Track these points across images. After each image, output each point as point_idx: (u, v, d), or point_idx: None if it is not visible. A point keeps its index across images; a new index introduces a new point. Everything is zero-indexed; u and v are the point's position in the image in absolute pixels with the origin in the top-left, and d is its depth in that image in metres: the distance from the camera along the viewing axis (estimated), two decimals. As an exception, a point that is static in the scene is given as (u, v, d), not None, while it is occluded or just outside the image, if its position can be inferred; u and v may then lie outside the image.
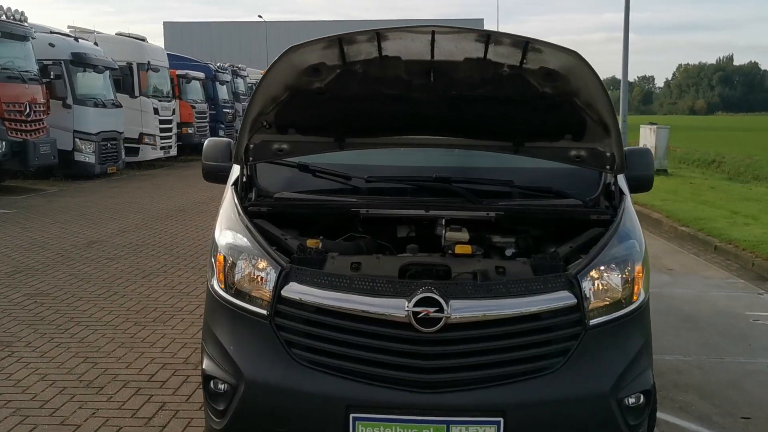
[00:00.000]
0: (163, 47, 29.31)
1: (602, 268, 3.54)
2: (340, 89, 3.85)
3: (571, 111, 3.87)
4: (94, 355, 6.28)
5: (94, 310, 7.64)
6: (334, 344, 3.37)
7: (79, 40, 21.60)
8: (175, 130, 25.68)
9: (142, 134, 23.72)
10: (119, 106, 22.20)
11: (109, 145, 21.48)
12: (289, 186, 4.41)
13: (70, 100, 20.22)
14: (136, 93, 23.71)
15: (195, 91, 28.82)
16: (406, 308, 3.26)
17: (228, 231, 3.86)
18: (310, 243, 3.90)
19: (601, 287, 3.52)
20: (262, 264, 3.58)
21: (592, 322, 3.43)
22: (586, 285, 3.46)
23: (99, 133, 20.94)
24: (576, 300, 3.40)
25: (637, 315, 3.58)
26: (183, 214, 14.47)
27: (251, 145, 4.16)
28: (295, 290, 3.45)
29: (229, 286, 3.67)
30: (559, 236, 4.15)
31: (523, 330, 3.38)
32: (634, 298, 3.60)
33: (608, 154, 4.05)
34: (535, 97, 3.81)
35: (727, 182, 22.23)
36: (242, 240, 3.72)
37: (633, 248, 3.71)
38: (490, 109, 3.99)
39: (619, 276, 3.56)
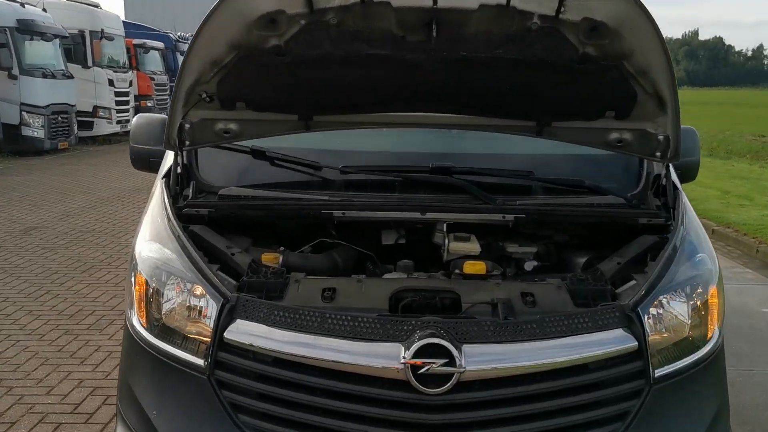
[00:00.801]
0: (122, 15, 27.64)
1: (668, 296, 2.56)
2: (306, 48, 2.81)
3: (617, 79, 2.87)
4: (10, 376, 5.19)
5: (19, 315, 6.53)
6: (297, 410, 2.38)
7: (26, 5, 20.06)
8: (132, 103, 24.24)
9: (96, 107, 22.29)
10: (70, 77, 20.77)
11: (59, 118, 20.10)
12: (238, 179, 3.36)
13: (16, 71, 18.81)
14: (89, 63, 22.24)
15: (154, 61, 27.30)
16: (403, 359, 2.28)
17: (153, 243, 2.81)
18: (267, 258, 2.86)
19: (667, 323, 2.55)
20: (198, 292, 2.54)
21: (658, 372, 2.48)
22: (648, 320, 2.49)
23: (48, 105, 19.55)
24: (636, 342, 2.43)
25: (713, 361, 2.63)
26: (137, 195, 13.27)
27: (187, 125, 3.08)
28: (243, 331, 2.43)
29: (152, 324, 2.62)
30: (591, 245, 3.17)
31: (566, 387, 2.41)
32: (708, 335, 2.65)
33: (660, 137, 3.06)
34: (572, 59, 2.80)
35: (708, 158, 21.61)
36: (171, 257, 2.67)
37: (704, 266, 2.75)
38: (510, 76, 2.97)
39: (690, 307, 2.60)
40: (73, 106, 20.56)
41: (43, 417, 4.57)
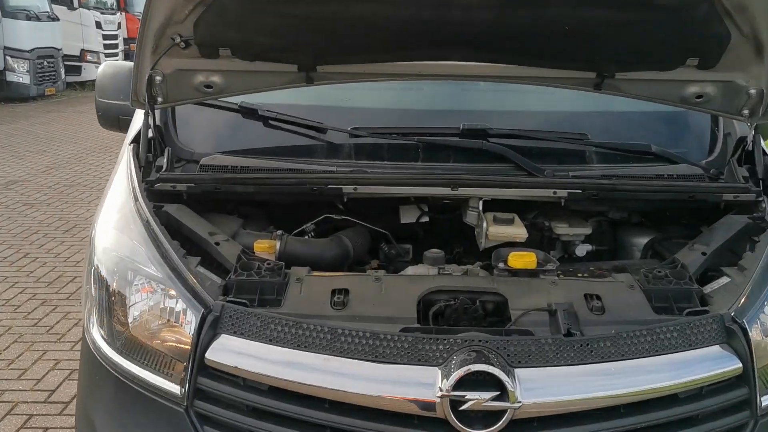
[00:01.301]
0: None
1: None
2: None
3: (708, 17, 2.23)
4: (-23, 358, 4.64)
5: (-8, 282, 5.96)
6: (302, 455, 1.82)
7: (6, -57, 18.95)
8: (122, 47, 23.24)
9: (83, 51, 21.33)
10: (56, 19, 19.78)
11: (45, 63, 19.22)
12: (225, 144, 2.73)
13: (-2, 13, 17.83)
14: (75, 5, 21.18)
15: (144, 2, 26.14)
16: (439, 391, 1.71)
17: (115, 230, 2.21)
18: (260, 247, 2.28)
19: (775, 337, 1.98)
20: (173, 294, 1.97)
21: (766, 401, 1.92)
22: (755, 334, 1.93)
23: (33, 50, 18.64)
24: (740, 363, 1.87)
25: None
26: (125, 146, 12.56)
27: (157, 78, 2.44)
28: (230, 349, 1.87)
29: (115, 336, 2.05)
30: (650, 221, 2.60)
31: (650, 424, 1.86)
32: None
33: (752, 90, 2.45)
34: None
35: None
36: (138, 248, 2.08)
37: None
38: (568, 13, 2.31)
39: (804, 315, 2.02)
40: (59, 50, 19.64)
41: (12, 407, 4.05)
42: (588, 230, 2.67)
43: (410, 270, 2.35)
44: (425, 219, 2.79)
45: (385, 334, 1.86)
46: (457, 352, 1.81)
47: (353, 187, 2.48)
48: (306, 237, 2.75)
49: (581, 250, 2.65)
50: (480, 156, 2.66)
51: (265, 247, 2.34)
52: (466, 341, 1.84)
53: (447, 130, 2.74)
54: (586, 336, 1.91)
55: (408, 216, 2.78)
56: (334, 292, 2.10)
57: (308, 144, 2.75)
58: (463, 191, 2.49)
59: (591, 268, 2.56)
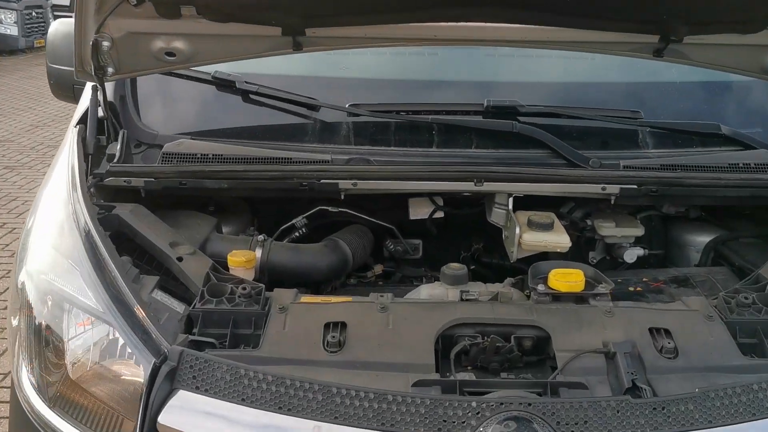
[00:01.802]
0: None
1: None
2: None
3: None
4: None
5: (-36, 258, 5.50)
6: None
7: None
8: (114, -4, 22.43)
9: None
10: (44, -34, 18.96)
11: (34, 13, 18.49)
12: (194, 124, 2.24)
13: (-19, -40, 17.05)
14: (64, -50, 20.32)
15: (137, -52, 25.18)
16: None
17: (49, 246, 1.73)
18: (235, 260, 1.81)
19: None
20: (114, 339, 1.50)
21: None
22: None
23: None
24: None
25: None
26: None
27: (104, 44, 1.93)
28: (189, 409, 1.43)
29: (44, 385, 1.59)
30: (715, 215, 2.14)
31: None
32: None
33: None
34: None
35: None
36: (74, 271, 1.61)
37: None
38: None
39: None
40: (48, -1, 18.95)
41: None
42: (640, 231, 2.19)
43: (424, 291, 1.87)
44: (440, 215, 2.31)
45: (394, 394, 1.40)
46: (489, 419, 1.35)
47: (352, 181, 1.99)
48: (296, 234, 2.28)
49: (631, 255, 2.17)
50: (509, 140, 2.16)
51: (242, 261, 1.86)
52: (501, 404, 1.38)
53: (468, 108, 2.23)
54: (661, 397, 1.44)
55: (419, 211, 2.29)
56: (328, 326, 1.63)
57: (296, 125, 2.25)
58: (489, 186, 2.00)
59: (644, 279, 2.09)
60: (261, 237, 2.03)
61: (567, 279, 1.77)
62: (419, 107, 2.24)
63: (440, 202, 2.28)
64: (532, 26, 1.99)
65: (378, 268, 2.32)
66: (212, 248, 2.02)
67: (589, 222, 2.21)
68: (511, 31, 1.98)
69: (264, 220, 2.38)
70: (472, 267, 2.44)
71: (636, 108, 2.28)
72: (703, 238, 2.25)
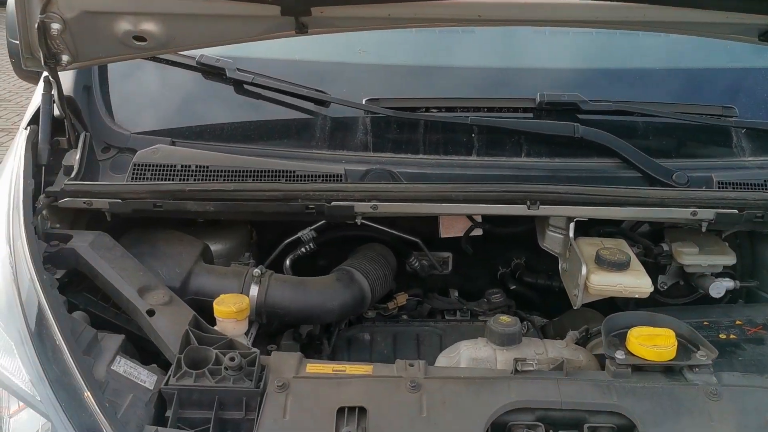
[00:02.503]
0: None
1: None
2: None
3: None
4: None
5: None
6: None
7: None
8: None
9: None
10: None
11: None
12: (176, 121, 1.83)
13: None
14: None
15: None
16: None
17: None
18: (223, 311, 1.41)
19: None
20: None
21: None
22: None
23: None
24: None
25: None
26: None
27: (54, 26, 1.50)
28: None
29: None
30: None
31: None
32: None
33: None
34: None
35: None
36: (6, 344, 1.21)
37: None
38: None
39: None
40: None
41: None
42: (731, 259, 1.76)
43: (465, 353, 1.45)
44: (478, 233, 1.89)
45: None
46: None
47: (371, 204, 1.57)
48: (302, 250, 1.87)
49: (718, 289, 1.75)
50: (569, 147, 1.72)
51: (231, 311, 1.45)
52: None
53: (516, 104, 1.79)
54: None
55: (451, 228, 1.88)
56: (342, 412, 1.23)
57: (301, 124, 1.81)
58: (546, 210, 1.57)
59: (737, 322, 1.67)
60: (257, 270, 1.62)
61: (653, 343, 1.35)
62: (455, 103, 1.79)
63: (479, 218, 1.86)
64: (602, 1, 1.52)
65: (401, 299, 1.91)
66: (196, 285, 1.62)
67: (665, 247, 1.78)
68: (579, 9, 1.51)
69: (264, 232, 1.97)
70: (512, 287, 2.04)
71: (728, 103, 1.82)
72: None
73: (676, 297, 1.98)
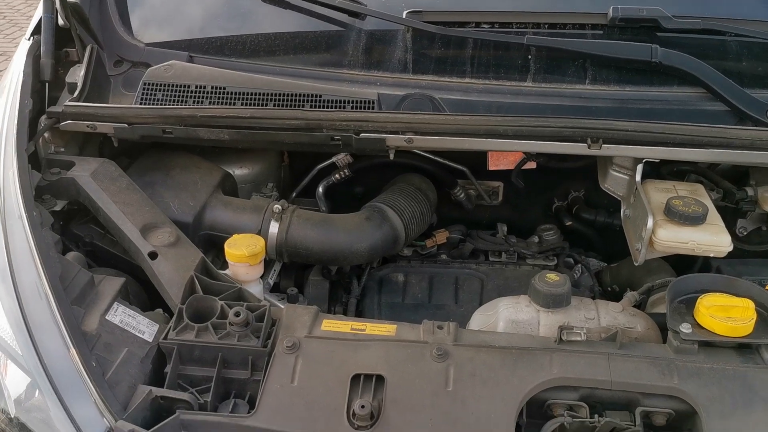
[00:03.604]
0: None
1: None
2: None
3: None
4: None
5: None
6: None
7: None
8: None
9: None
10: None
11: None
12: (193, 30, 1.64)
13: None
14: None
15: None
16: None
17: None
18: (235, 254, 1.28)
19: None
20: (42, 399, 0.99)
21: None
22: None
23: None
24: None
25: None
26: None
27: None
28: None
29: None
30: None
31: None
32: None
33: None
34: None
35: None
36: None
37: None
38: None
39: None
40: None
41: None
42: None
43: (504, 314, 1.27)
44: (531, 166, 1.67)
45: None
46: None
47: (406, 137, 1.37)
48: (336, 176, 1.70)
49: None
50: (643, 73, 1.46)
51: (243, 255, 1.30)
52: None
53: (583, 20, 1.52)
54: None
55: (501, 160, 1.66)
56: (356, 381, 1.08)
57: (332, 39, 1.58)
58: (609, 150, 1.34)
59: None
60: (278, 206, 1.46)
61: (728, 314, 1.14)
62: (511, 18, 1.53)
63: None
64: None
65: (441, 236, 1.73)
66: (211, 220, 1.47)
67: (749, 191, 1.53)
68: None
69: (297, 155, 1.81)
70: (568, 223, 1.83)
71: None
72: None
73: (756, 244, 1.75)
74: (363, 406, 1.05)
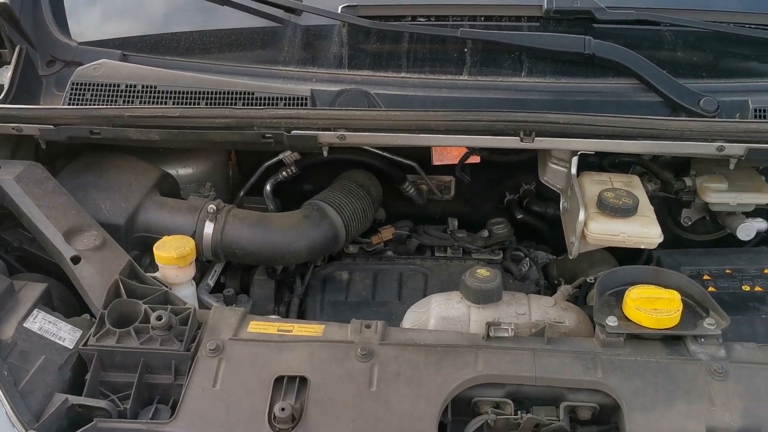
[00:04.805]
0: None
1: None
2: None
3: None
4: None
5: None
6: None
7: None
8: None
9: None
10: None
11: None
12: (125, 28, 1.63)
13: None
14: None
15: None
16: None
17: None
18: (164, 257, 1.27)
19: None
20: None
21: None
22: None
23: None
24: None
25: None
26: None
27: None
28: None
29: None
30: None
31: None
32: None
33: None
34: None
35: None
36: None
37: None
38: None
39: None
40: None
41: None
42: (767, 197, 1.51)
43: (435, 311, 1.25)
44: (475, 160, 1.66)
45: None
46: None
47: (338, 133, 1.35)
48: (283, 174, 1.69)
49: (747, 230, 1.50)
50: (578, 64, 1.45)
51: (171, 257, 1.28)
52: None
53: (518, 12, 1.51)
54: None
55: (445, 155, 1.65)
56: (279, 383, 1.07)
57: (267, 35, 1.56)
58: (542, 143, 1.33)
59: (766, 271, 1.44)
60: (212, 207, 1.44)
61: (654, 306, 1.14)
62: (447, 11, 1.52)
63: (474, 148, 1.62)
64: None
65: (386, 233, 1.71)
66: (145, 221, 1.45)
67: (688, 181, 1.53)
68: None
69: (245, 153, 1.78)
70: (519, 216, 1.82)
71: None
72: None
73: (701, 234, 1.75)
74: (283, 409, 1.03)
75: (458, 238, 1.72)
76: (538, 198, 1.84)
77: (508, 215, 1.85)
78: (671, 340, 1.14)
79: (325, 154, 1.43)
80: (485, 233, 1.79)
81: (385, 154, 1.70)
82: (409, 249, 1.72)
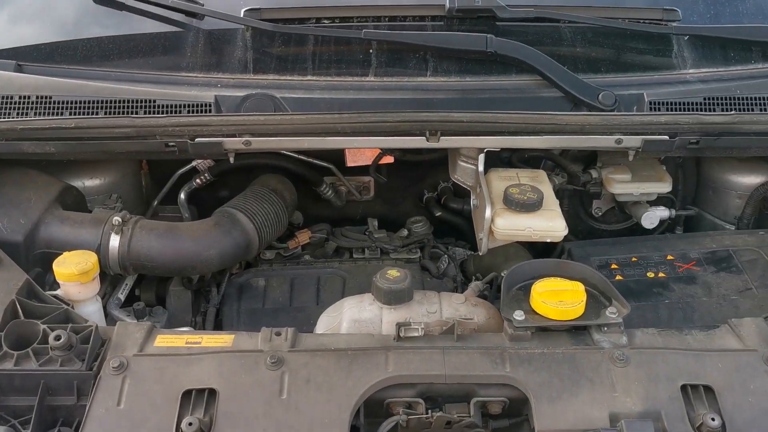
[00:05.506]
0: None
1: None
2: None
3: None
4: None
5: None
6: None
7: None
8: None
9: None
10: None
11: None
12: (23, 35, 1.59)
13: None
14: None
15: None
16: None
17: None
18: (64, 273, 1.26)
19: None
20: None
21: None
22: None
23: None
24: None
25: None
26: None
27: None
28: None
29: None
30: None
31: None
32: None
33: None
34: None
35: None
36: None
37: None
38: None
39: None
40: None
41: None
42: (667, 186, 1.56)
43: (348, 314, 1.25)
44: (389, 160, 1.67)
45: None
46: None
47: (243, 139, 1.33)
48: (197, 181, 1.66)
49: (651, 219, 1.56)
50: (481, 62, 1.47)
51: (72, 273, 1.24)
52: None
53: (422, 12, 1.52)
54: None
55: (358, 156, 1.65)
56: (187, 397, 1.05)
57: (169, 41, 1.53)
58: (448, 142, 1.34)
59: (669, 258, 1.49)
60: (117, 219, 1.40)
61: (559, 299, 1.16)
62: (351, 12, 1.52)
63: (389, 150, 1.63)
64: None
65: (303, 236, 1.70)
66: (47, 237, 1.40)
67: (594, 173, 1.57)
68: None
69: (157, 161, 1.74)
70: (438, 214, 1.84)
71: (671, 5, 1.56)
72: (750, 179, 1.64)
73: (613, 223, 1.80)
74: (190, 423, 1.01)
75: (376, 238, 1.73)
76: (455, 195, 1.86)
77: (427, 213, 1.86)
78: (577, 330, 1.17)
79: (232, 160, 1.41)
80: (404, 232, 1.80)
81: (300, 156, 1.69)
82: (326, 252, 1.72)
